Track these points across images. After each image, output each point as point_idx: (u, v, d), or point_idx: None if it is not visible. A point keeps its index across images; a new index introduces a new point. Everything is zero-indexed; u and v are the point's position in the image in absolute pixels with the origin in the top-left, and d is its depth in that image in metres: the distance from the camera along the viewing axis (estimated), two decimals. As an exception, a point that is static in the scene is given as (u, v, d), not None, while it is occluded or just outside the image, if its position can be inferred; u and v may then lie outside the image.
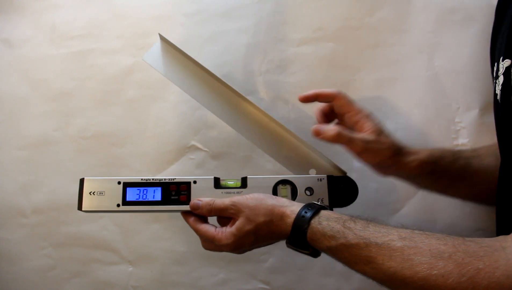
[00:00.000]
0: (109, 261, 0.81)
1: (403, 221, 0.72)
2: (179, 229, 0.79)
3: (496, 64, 0.53)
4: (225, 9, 0.80)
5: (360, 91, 0.75)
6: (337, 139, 0.57)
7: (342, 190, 0.60)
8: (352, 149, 0.58)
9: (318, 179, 0.60)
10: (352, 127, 0.60)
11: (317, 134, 0.59)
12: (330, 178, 0.60)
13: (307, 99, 0.62)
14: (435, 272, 0.40)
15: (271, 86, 0.78)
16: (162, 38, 0.65)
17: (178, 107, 0.80)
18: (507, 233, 0.42)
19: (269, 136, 0.64)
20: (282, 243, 0.54)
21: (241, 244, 0.54)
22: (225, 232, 0.54)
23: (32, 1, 0.86)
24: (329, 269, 0.74)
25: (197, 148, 0.79)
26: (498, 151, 0.63)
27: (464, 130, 0.72)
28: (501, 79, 0.48)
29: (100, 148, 0.82)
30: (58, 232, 0.82)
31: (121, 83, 0.82)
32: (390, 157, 0.58)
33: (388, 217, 0.73)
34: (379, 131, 0.59)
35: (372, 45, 0.75)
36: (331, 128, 0.58)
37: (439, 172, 0.60)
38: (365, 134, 0.58)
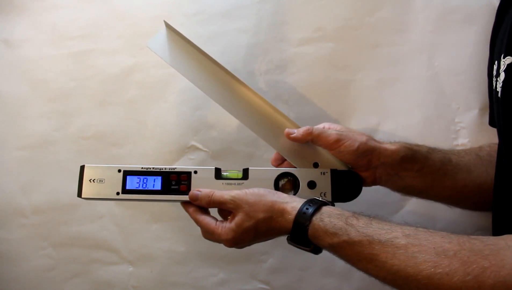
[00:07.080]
0: (109, 261, 0.81)
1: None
2: (179, 229, 0.79)
3: (496, 62, 0.52)
4: (225, 9, 0.80)
5: (360, 91, 0.75)
6: (308, 134, 0.58)
7: (345, 184, 0.58)
8: (326, 141, 0.57)
9: (321, 172, 0.59)
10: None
11: (288, 134, 0.59)
12: (333, 172, 0.59)
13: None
14: (439, 270, 0.39)
15: (271, 86, 0.78)
16: (168, 26, 0.62)
17: (178, 107, 0.80)
18: (504, 233, 0.41)
19: (272, 126, 0.62)
20: (282, 243, 0.54)
21: (241, 240, 0.54)
22: (225, 228, 0.54)
23: (32, 1, 0.86)
24: (329, 269, 0.74)
25: (197, 148, 0.79)
26: (478, 151, 0.62)
27: (464, 130, 0.72)
28: (502, 76, 0.48)
29: (100, 148, 0.82)
30: (58, 232, 0.82)
31: (121, 83, 0.82)
32: (365, 143, 0.57)
33: (389, 217, 0.73)
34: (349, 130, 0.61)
35: (372, 45, 0.75)
36: (302, 128, 0.59)
37: (420, 162, 0.58)
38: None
